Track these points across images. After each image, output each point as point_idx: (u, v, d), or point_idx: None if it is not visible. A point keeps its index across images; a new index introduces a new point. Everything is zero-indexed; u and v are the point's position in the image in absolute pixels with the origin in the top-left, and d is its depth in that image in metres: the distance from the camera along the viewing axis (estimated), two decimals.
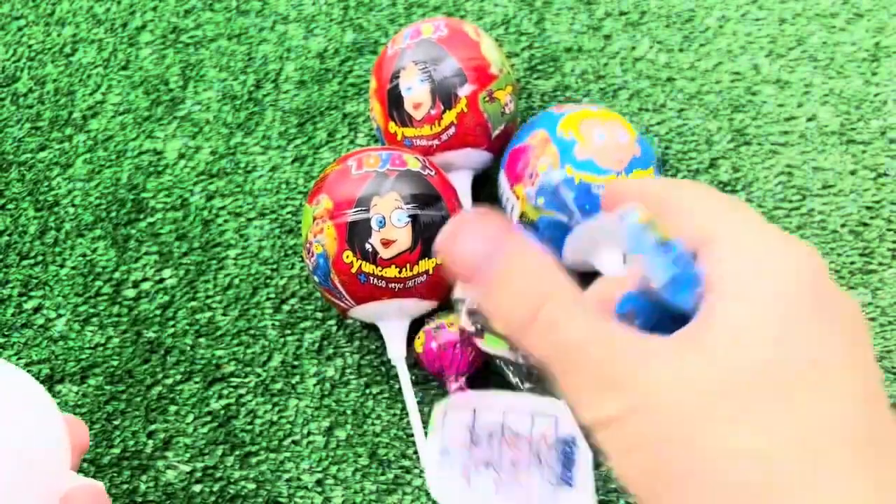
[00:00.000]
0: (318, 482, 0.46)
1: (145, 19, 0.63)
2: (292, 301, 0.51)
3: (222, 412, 0.48)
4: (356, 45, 0.61)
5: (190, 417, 0.48)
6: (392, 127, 0.50)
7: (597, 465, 0.43)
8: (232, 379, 0.49)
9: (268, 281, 0.52)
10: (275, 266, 0.52)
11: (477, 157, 0.50)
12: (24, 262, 0.53)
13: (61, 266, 0.53)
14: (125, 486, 0.46)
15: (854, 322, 0.21)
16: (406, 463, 0.46)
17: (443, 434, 0.40)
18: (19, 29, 0.63)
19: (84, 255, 0.53)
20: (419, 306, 0.46)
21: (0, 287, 0.53)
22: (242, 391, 0.48)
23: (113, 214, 0.55)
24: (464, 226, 0.22)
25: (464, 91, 0.48)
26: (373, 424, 0.47)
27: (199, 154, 0.57)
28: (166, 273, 0.52)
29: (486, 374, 0.47)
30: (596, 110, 0.48)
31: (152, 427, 0.48)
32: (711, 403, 0.19)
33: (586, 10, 0.61)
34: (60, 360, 0.50)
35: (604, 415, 0.20)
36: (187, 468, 0.46)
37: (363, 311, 0.45)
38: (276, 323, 0.50)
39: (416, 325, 0.47)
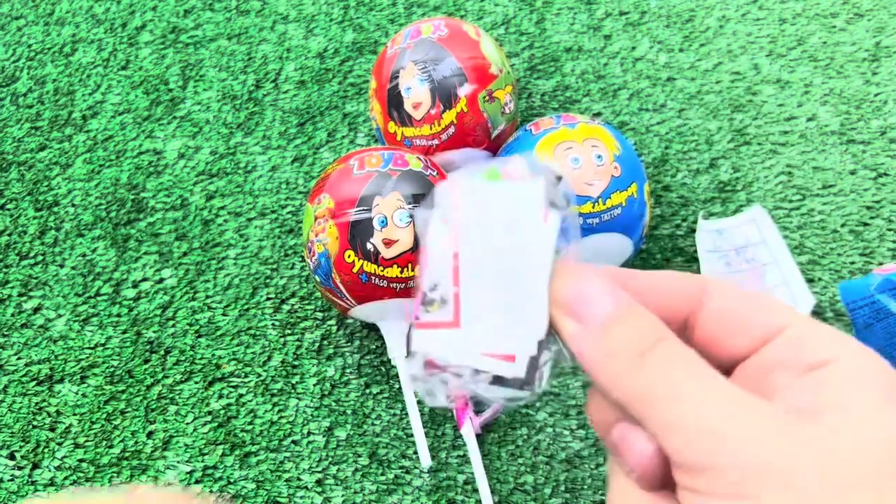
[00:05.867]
0: (318, 482, 0.45)
1: (145, 19, 0.63)
2: (292, 301, 0.51)
3: (222, 412, 0.48)
4: (356, 44, 0.61)
5: (190, 417, 0.48)
6: (392, 127, 0.50)
7: None
8: (232, 379, 0.49)
9: (268, 281, 0.52)
10: (275, 266, 0.52)
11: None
12: (24, 262, 0.53)
13: (61, 266, 0.53)
14: (125, 486, 0.46)
15: None
16: (406, 463, 0.46)
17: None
18: (19, 29, 0.63)
19: (84, 255, 0.53)
20: None
21: (0, 287, 0.53)
22: (242, 391, 0.48)
23: (113, 214, 0.55)
24: (582, 270, 0.22)
25: (464, 91, 0.48)
26: (373, 424, 0.47)
27: (198, 154, 0.57)
28: (166, 273, 0.52)
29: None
30: (575, 128, 0.46)
31: (152, 427, 0.48)
32: (844, 490, 0.19)
33: (586, 10, 0.61)
34: (60, 360, 0.50)
35: (710, 484, 0.20)
36: (187, 468, 0.46)
37: (364, 311, 0.45)
38: (276, 323, 0.50)
39: None
